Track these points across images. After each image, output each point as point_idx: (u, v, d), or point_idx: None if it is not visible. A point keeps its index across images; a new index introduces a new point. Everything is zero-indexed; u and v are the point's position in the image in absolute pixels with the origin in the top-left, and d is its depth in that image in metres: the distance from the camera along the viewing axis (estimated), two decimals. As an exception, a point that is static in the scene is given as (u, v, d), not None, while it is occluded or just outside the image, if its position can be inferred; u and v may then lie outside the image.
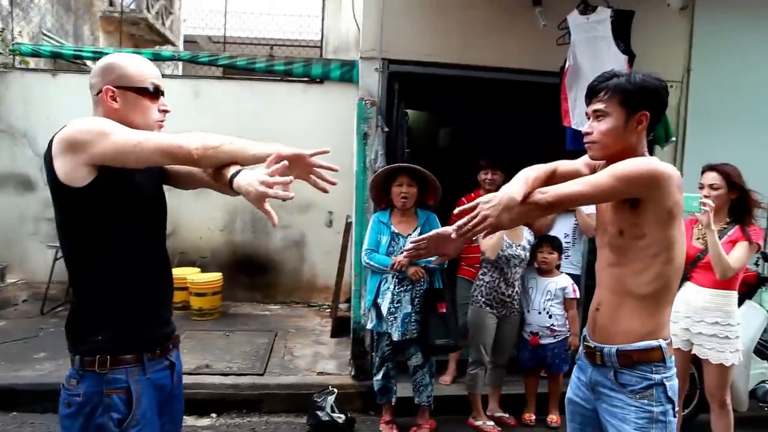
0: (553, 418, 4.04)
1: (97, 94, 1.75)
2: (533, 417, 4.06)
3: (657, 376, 1.90)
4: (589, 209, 3.98)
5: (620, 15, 4.04)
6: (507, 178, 4.17)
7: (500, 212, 1.79)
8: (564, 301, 3.96)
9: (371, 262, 3.74)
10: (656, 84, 1.92)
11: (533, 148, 5.48)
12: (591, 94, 2.00)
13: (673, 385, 1.93)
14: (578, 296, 4.03)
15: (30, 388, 4.18)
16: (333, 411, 3.70)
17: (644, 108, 1.90)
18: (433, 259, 3.60)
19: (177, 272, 6.03)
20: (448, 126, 7.44)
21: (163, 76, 7.08)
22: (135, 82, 1.76)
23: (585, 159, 2.18)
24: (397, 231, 3.76)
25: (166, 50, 9.51)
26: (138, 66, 1.79)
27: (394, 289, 3.70)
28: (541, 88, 4.74)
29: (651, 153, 4.58)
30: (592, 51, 4.07)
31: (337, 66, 6.42)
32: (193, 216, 6.40)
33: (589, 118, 2.01)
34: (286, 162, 1.57)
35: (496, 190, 4.42)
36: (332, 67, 6.43)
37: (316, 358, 4.90)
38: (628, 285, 1.93)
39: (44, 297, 5.95)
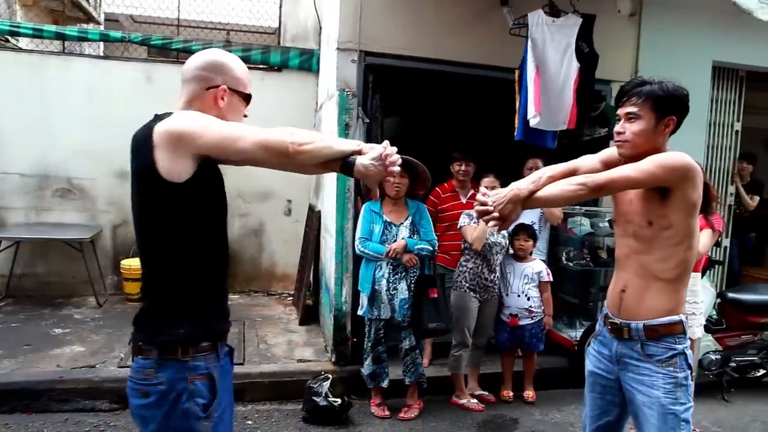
0: (529, 393, 4.35)
1: (208, 88, 1.78)
2: (511, 393, 4.35)
3: (680, 346, 2.17)
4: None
5: (584, 18, 4.35)
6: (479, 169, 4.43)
7: (504, 205, 2.10)
8: (539, 284, 4.26)
9: (366, 251, 3.84)
10: (683, 93, 2.19)
11: (487, 140, 5.83)
12: (623, 97, 2.22)
13: (690, 353, 2.21)
14: (551, 279, 4.34)
15: (-5, 388, 3.95)
16: (328, 396, 3.78)
17: (673, 113, 2.16)
18: (423, 245, 3.80)
19: (134, 263, 5.83)
20: (393, 116, 7.59)
21: (113, 58, 6.82)
22: (244, 86, 1.87)
23: (600, 157, 2.42)
24: (389, 220, 3.89)
25: (93, 29, 8.99)
26: (246, 72, 1.88)
27: (389, 276, 3.83)
28: (504, 84, 5.01)
29: (607, 147, 4.97)
30: (549, 51, 4.32)
31: (296, 54, 6.40)
32: (147, 205, 6.16)
33: (619, 120, 2.23)
34: (395, 148, 1.77)
35: (469, 180, 4.66)
36: (291, 56, 6.40)
37: (291, 346, 4.94)
38: (655, 270, 2.18)
39: (-15, 292, 5.55)
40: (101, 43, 8.45)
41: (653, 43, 5.30)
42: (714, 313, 4.67)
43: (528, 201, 2.17)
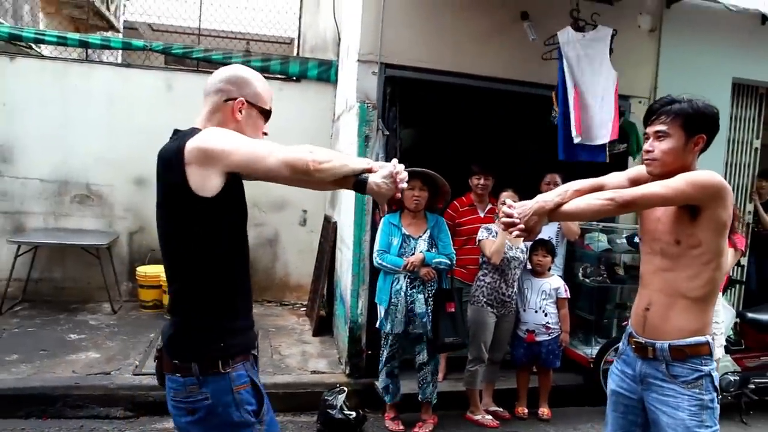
0: (545, 411, 4.31)
1: (227, 101, 1.82)
2: (526, 410, 4.31)
3: (706, 368, 2.14)
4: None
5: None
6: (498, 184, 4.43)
7: (530, 217, 2.13)
8: (557, 300, 4.24)
9: (384, 263, 3.84)
10: (713, 111, 2.18)
11: (506, 154, 5.82)
12: (651, 116, 2.22)
13: (716, 375, 2.18)
14: (569, 296, 4.31)
15: (11, 392, 3.96)
16: (343, 409, 3.77)
17: (702, 131, 2.14)
18: (441, 258, 3.80)
19: (150, 270, 5.87)
20: (412, 128, 7.62)
21: (134, 66, 6.87)
22: (264, 102, 1.91)
23: (627, 174, 2.42)
24: (407, 233, 3.89)
25: (115, 37, 9.13)
26: (267, 88, 1.93)
27: (406, 289, 3.82)
28: (525, 98, 5.02)
29: (626, 163, 4.95)
30: (584, 68, 4.35)
31: (314, 65, 6.44)
32: (164, 212, 6.21)
33: (648, 138, 2.22)
34: (402, 165, 1.85)
35: (487, 194, 4.66)
36: (309, 66, 6.44)
37: (305, 357, 4.94)
38: (681, 288, 2.16)
39: (3, 296, 5.59)
40: (119, 51, 8.60)
41: (673, 60, 5.28)
42: (732, 333, 4.62)
43: (554, 214, 2.17)
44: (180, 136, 1.75)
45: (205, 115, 1.85)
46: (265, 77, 6.55)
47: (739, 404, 4.47)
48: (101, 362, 4.47)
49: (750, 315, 4.56)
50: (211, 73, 6.46)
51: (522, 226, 2.14)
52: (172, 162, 1.69)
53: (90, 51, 6.88)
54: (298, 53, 6.64)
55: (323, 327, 5.59)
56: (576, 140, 4.21)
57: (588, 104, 4.36)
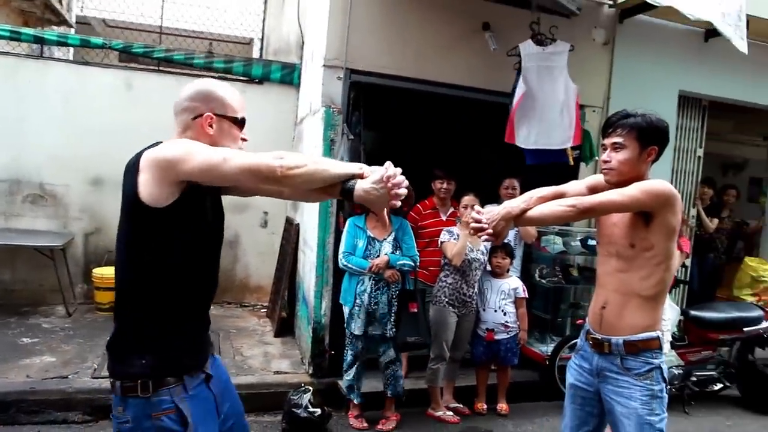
0: (503, 406, 4.47)
1: (194, 118, 1.80)
2: (485, 406, 4.45)
3: (656, 361, 2.32)
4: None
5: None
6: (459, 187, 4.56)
7: (497, 222, 2.26)
8: (515, 300, 4.40)
9: (349, 265, 3.91)
10: (664, 125, 2.36)
11: (466, 159, 5.97)
12: (609, 128, 2.37)
13: (666, 367, 2.36)
14: (527, 296, 4.48)
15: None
16: (308, 408, 3.81)
17: (655, 143, 2.32)
18: (405, 260, 3.90)
19: (107, 271, 5.75)
20: (375, 131, 7.71)
21: (92, 64, 6.76)
22: (233, 111, 1.85)
23: (586, 182, 2.58)
24: (372, 235, 3.98)
25: (73, 34, 8.85)
26: (236, 98, 1.87)
27: (371, 290, 3.91)
28: (485, 106, 5.18)
29: (577, 170, 5.20)
30: (544, 79, 4.56)
31: (278, 68, 6.45)
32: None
33: (606, 149, 2.38)
34: (399, 169, 1.73)
35: (450, 198, 4.80)
36: (273, 69, 6.45)
37: (267, 358, 4.95)
38: (635, 288, 2.33)
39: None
40: (70, 48, 8.34)
41: (625, 72, 5.55)
42: (677, 330, 4.89)
43: (520, 219, 2.31)
44: (149, 147, 1.73)
45: (177, 135, 1.82)
46: (227, 79, 6.53)
47: (682, 396, 4.74)
48: (57, 366, 4.37)
49: (693, 312, 4.85)
50: (173, 74, 6.37)
51: (490, 230, 2.26)
52: (129, 170, 1.69)
53: (33, 46, 6.67)
54: (261, 56, 6.63)
55: (285, 328, 5.60)
56: (522, 145, 4.43)
57: (545, 114, 4.57)
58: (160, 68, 6.24)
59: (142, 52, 6.07)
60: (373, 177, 1.71)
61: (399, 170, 1.72)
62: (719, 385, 4.95)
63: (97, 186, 6.04)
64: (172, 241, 1.71)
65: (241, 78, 6.41)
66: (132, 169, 1.68)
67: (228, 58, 6.36)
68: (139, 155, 1.69)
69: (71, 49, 8.60)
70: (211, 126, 1.80)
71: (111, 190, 6.06)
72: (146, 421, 1.67)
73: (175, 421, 1.69)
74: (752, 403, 4.98)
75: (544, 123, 4.54)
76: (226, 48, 7.54)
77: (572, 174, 5.28)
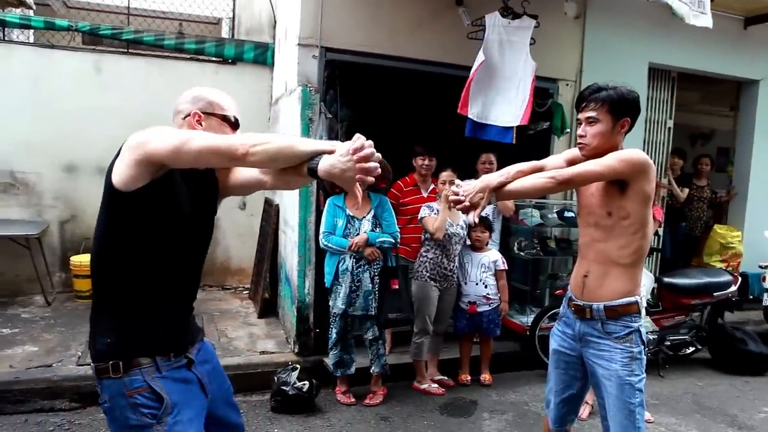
0: (486, 377, 4.58)
1: (185, 117, 1.89)
2: (469, 377, 4.56)
3: (635, 324, 2.42)
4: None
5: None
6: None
7: (475, 194, 2.32)
8: (495, 272, 4.49)
9: (329, 244, 3.94)
10: (635, 96, 2.43)
11: (445, 135, 6.00)
12: (582, 103, 2.43)
13: (644, 330, 2.46)
14: (506, 268, 4.58)
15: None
16: (296, 384, 3.87)
17: (627, 115, 2.40)
18: (385, 237, 3.95)
19: (85, 259, 5.67)
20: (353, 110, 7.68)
21: (59, 47, 6.57)
22: (220, 108, 1.92)
23: (564, 156, 2.65)
24: (352, 214, 4.01)
25: (36, 17, 8.56)
26: (223, 98, 1.95)
27: (353, 269, 3.95)
28: (460, 81, 5.20)
29: (549, 143, 5.26)
30: (506, 53, 4.56)
31: (251, 48, 6.37)
32: (97, 200, 5.92)
33: (581, 124, 2.44)
34: (370, 141, 1.63)
35: (430, 174, 4.84)
36: (246, 49, 6.37)
37: (252, 339, 4.98)
38: (613, 256, 2.42)
39: None
40: (31, 31, 8.08)
41: (596, 45, 5.63)
42: (651, 297, 5.05)
43: (502, 193, 2.36)
44: None
45: None
46: (199, 60, 6.41)
47: (657, 360, 4.92)
48: (41, 355, 4.33)
49: (666, 279, 5.01)
50: (144, 56, 6.23)
51: (467, 203, 2.31)
52: (113, 159, 1.72)
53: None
54: (233, 36, 6.53)
55: (268, 309, 5.64)
56: (474, 117, 4.47)
57: (502, 88, 4.57)
58: (130, 50, 6.10)
59: (111, 34, 5.93)
60: (339, 151, 1.61)
61: (369, 142, 1.61)
62: (691, 349, 5.14)
63: (71, 172, 5.93)
64: (141, 225, 1.72)
65: (214, 59, 6.32)
66: (115, 156, 1.71)
67: (200, 38, 6.25)
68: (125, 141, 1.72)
69: (32, 32, 8.35)
70: (200, 123, 1.86)
71: (85, 176, 5.97)
72: (121, 399, 1.73)
73: (149, 398, 1.73)
74: (722, 364, 5.19)
75: (498, 98, 4.53)
76: (196, 28, 7.39)
77: (542, 145, 5.39)
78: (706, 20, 4.40)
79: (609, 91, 2.38)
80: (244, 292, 6.44)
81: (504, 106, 4.59)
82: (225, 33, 6.97)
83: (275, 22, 6.36)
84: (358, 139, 1.61)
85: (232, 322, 5.39)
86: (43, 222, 5.83)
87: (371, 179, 1.64)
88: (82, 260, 5.68)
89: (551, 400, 2.67)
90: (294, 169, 1.70)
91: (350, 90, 5.21)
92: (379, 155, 1.64)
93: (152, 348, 1.77)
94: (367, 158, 1.59)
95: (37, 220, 5.86)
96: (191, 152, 1.60)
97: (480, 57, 4.50)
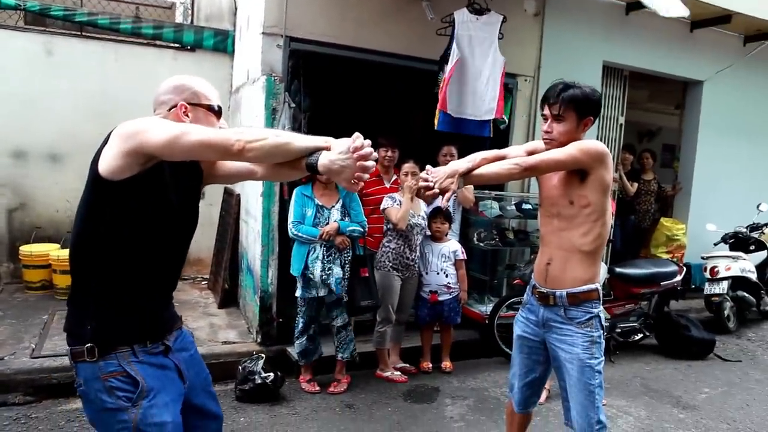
0: (447, 364, 4.69)
1: (170, 109, 1.85)
2: (430, 365, 4.65)
3: (595, 310, 2.55)
4: (468, 186, 4.65)
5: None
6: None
7: (444, 180, 2.35)
8: (455, 262, 4.60)
9: (299, 234, 3.95)
10: (598, 96, 2.57)
11: (406, 127, 6.07)
12: (548, 100, 2.53)
13: (603, 316, 2.59)
14: (466, 258, 4.69)
15: None
16: (261, 374, 3.87)
17: (590, 114, 2.52)
18: (354, 227, 3.99)
19: (37, 249, 5.50)
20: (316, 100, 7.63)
21: (5, 27, 6.36)
22: (205, 98, 1.90)
23: (525, 147, 2.77)
24: (320, 203, 4.02)
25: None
26: (206, 87, 1.93)
27: (323, 258, 3.97)
28: (423, 74, 5.27)
29: (508, 137, 5.34)
30: (475, 49, 4.68)
31: (210, 35, 6.27)
32: (49, 187, 5.80)
33: (546, 119, 2.54)
34: (368, 140, 1.72)
35: (393, 166, 4.89)
36: (205, 36, 6.26)
37: (213, 329, 4.94)
38: (576, 244, 2.53)
39: None
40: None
41: (554, 42, 5.79)
42: (603, 286, 5.27)
43: (468, 177, 2.42)
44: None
45: None
46: (156, 45, 6.28)
47: (608, 346, 5.10)
48: (-9, 348, 4.19)
49: (617, 269, 5.23)
50: (98, 39, 6.04)
51: (437, 189, 2.36)
52: (99, 147, 1.70)
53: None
54: (192, 21, 6.39)
55: (228, 299, 5.59)
56: (454, 114, 4.57)
57: (474, 83, 4.69)
58: (83, 33, 5.89)
59: (62, 15, 5.71)
60: (339, 148, 1.69)
61: (368, 142, 1.69)
62: (640, 335, 5.39)
63: (19, 159, 5.70)
64: (128, 214, 1.72)
65: (172, 45, 6.19)
66: (102, 144, 1.69)
67: (158, 23, 6.09)
68: (113, 129, 1.69)
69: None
70: (186, 115, 1.84)
71: (36, 162, 5.76)
72: (96, 383, 1.73)
73: (124, 382, 1.74)
74: (667, 349, 5.47)
75: (471, 93, 4.66)
76: (145, 13, 7.18)
77: (502, 141, 5.52)
78: (679, 10, 4.53)
79: (576, 90, 2.48)
80: (203, 283, 6.36)
81: (477, 100, 4.70)
82: (179, 18, 6.81)
83: (236, 8, 6.26)
84: (358, 138, 1.69)
85: (192, 313, 5.32)
86: (-11, 210, 5.61)
87: (367, 176, 1.73)
88: (32, 250, 5.49)
89: (515, 384, 2.78)
90: (290, 163, 1.77)
91: (313, 80, 5.20)
92: (375, 154, 1.73)
93: (132, 335, 1.78)
94: (365, 157, 1.67)
95: (-18, 208, 5.63)
96: (185, 146, 1.62)
97: (455, 54, 4.58)
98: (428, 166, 2.48)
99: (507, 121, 5.44)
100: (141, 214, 1.74)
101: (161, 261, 1.85)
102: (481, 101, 4.71)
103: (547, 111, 2.54)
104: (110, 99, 5.71)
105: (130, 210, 1.71)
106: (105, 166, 1.64)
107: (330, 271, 3.98)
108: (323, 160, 1.69)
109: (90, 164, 1.70)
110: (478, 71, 4.68)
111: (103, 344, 1.73)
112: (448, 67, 4.64)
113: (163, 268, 1.88)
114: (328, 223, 3.97)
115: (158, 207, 1.77)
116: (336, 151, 1.69)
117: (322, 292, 4.00)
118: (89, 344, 1.72)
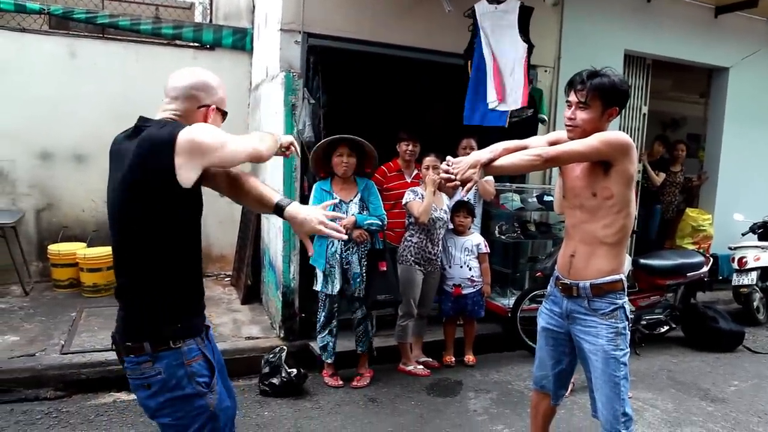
0: (470, 358, 4.67)
1: (199, 107, 1.95)
2: (453, 359, 4.65)
3: (620, 301, 2.51)
4: (489, 178, 4.61)
5: (522, 9, 4.64)
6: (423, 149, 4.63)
7: (466, 170, 2.32)
8: (478, 255, 4.57)
9: (318, 228, 3.95)
10: (626, 87, 2.51)
11: (428, 121, 6.04)
12: (574, 86, 2.48)
13: (628, 307, 2.55)
14: (489, 251, 4.66)
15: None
16: (285, 368, 3.90)
17: (616, 104, 2.46)
18: (372, 220, 3.99)
19: (64, 248, 5.62)
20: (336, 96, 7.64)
21: (30, 31, 6.44)
22: (225, 106, 2.06)
23: (547, 138, 2.72)
24: (339, 197, 4.03)
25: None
26: (225, 91, 2.06)
27: (341, 252, 3.98)
28: (443, 67, 5.25)
29: (535, 128, 5.29)
30: (497, 38, 4.64)
31: (229, 33, 6.31)
32: (74, 188, 5.91)
33: (570, 106, 2.50)
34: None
35: (414, 160, 4.88)
36: (224, 34, 6.30)
37: (237, 325, 4.99)
38: (599, 236, 2.49)
39: None
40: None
41: (574, 32, 5.72)
42: (628, 277, 5.20)
43: (489, 167, 2.38)
44: (171, 125, 1.79)
45: (174, 117, 1.90)
46: (176, 45, 6.34)
47: (633, 338, 5.05)
48: (22, 345, 4.28)
49: (642, 261, 5.16)
50: (119, 40, 6.10)
51: (458, 180, 2.34)
52: (161, 148, 1.73)
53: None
54: (210, 20, 6.44)
55: (251, 295, 5.65)
56: (492, 105, 4.50)
57: (501, 73, 4.66)
58: (105, 35, 5.98)
59: (85, 18, 5.80)
60: (314, 209, 2.00)
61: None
62: (666, 327, 5.32)
63: (46, 160, 5.82)
64: (187, 217, 1.86)
65: (192, 44, 6.25)
66: (167, 146, 1.72)
67: (177, 23, 6.15)
68: (172, 132, 1.74)
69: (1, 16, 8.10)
70: (209, 117, 1.96)
71: (61, 163, 5.87)
72: (180, 369, 1.83)
73: (203, 366, 1.88)
74: (694, 341, 5.38)
75: (502, 83, 4.62)
76: (165, 13, 7.26)
77: (528, 132, 5.46)
78: None
79: (603, 78, 2.42)
80: (226, 279, 6.42)
81: (506, 90, 4.65)
82: (198, 18, 6.88)
83: (254, 6, 6.30)
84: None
85: (215, 309, 5.38)
86: (19, 211, 5.72)
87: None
88: (60, 249, 5.60)
89: (540, 376, 2.76)
90: (258, 202, 2.03)
91: (331, 75, 5.21)
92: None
93: (200, 321, 1.97)
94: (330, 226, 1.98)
95: (11, 208, 5.75)
96: (237, 160, 1.89)
97: (484, 46, 4.54)
98: (449, 157, 2.46)
99: (546, 118, 5.40)
100: (196, 215, 1.91)
101: (198, 259, 2.01)
102: (508, 92, 4.66)
103: (572, 97, 2.48)
104: (132, 100, 5.75)
105: (196, 212, 1.90)
106: (186, 177, 1.74)
107: (348, 266, 3.99)
108: (294, 210, 1.97)
109: (129, 168, 1.75)
110: (503, 62, 4.63)
111: (183, 330, 1.85)
112: (490, 63, 4.58)
113: (199, 266, 2.03)
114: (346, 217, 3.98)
115: (195, 210, 1.91)
116: (314, 213, 1.97)
117: (339, 286, 4.01)
118: (172, 331, 1.83)
